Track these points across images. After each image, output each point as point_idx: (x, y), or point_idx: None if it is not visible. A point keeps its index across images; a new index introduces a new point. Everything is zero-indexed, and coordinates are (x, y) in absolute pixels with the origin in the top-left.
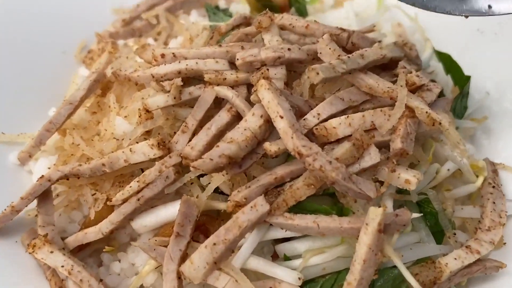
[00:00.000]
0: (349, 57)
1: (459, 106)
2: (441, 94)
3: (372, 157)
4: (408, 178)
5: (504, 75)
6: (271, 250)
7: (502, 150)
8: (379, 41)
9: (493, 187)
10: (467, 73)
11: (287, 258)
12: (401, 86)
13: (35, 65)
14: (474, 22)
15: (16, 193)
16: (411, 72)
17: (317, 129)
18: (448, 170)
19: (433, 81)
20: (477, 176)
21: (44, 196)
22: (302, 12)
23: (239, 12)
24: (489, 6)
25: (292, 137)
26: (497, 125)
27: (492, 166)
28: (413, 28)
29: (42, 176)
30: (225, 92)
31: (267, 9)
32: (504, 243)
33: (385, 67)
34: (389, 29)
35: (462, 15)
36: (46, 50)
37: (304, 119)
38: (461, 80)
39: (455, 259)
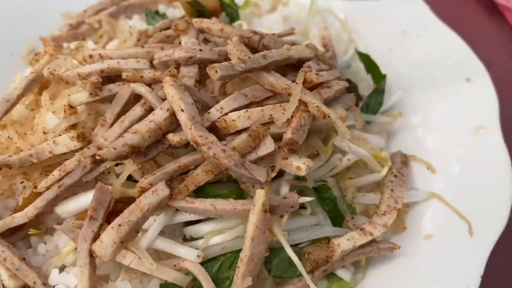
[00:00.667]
0: (250, 57)
1: (373, 102)
2: (353, 91)
3: (267, 146)
4: (299, 165)
5: (422, 74)
6: (182, 233)
7: (419, 142)
8: (293, 43)
9: (395, 176)
10: (389, 72)
11: (192, 239)
12: (296, 83)
13: None
14: (400, 24)
15: None
16: (311, 71)
17: (218, 121)
18: (348, 160)
19: (348, 80)
20: (383, 167)
21: None
22: (233, 17)
23: (175, 17)
24: None
25: (190, 128)
26: (413, 120)
27: (403, 157)
28: (340, 30)
29: None
30: (140, 88)
31: (200, 14)
32: (405, 228)
33: (296, 66)
34: (317, 32)
35: None
36: None
37: (208, 113)
38: (378, 78)
39: (348, 240)
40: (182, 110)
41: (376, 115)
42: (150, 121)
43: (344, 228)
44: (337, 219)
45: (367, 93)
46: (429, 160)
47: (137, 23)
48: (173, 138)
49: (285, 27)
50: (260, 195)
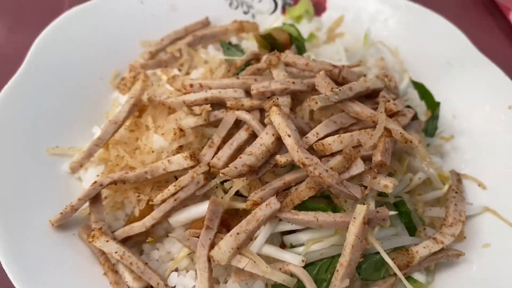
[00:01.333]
0: (340, 89)
1: (430, 127)
2: (415, 117)
3: (358, 167)
4: (386, 183)
5: (468, 101)
6: (280, 241)
7: (468, 162)
8: (365, 75)
9: (456, 192)
10: (438, 99)
11: (292, 246)
12: (381, 112)
13: (77, 89)
14: (445, 56)
15: (68, 195)
16: (389, 101)
17: (316, 145)
18: (419, 178)
19: (408, 107)
20: (444, 184)
21: (95, 198)
22: (301, 48)
23: (250, 49)
24: None
25: (297, 151)
26: (462, 142)
27: (457, 176)
28: (393, 61)
29: (95, 181)
30: (244, 115)
31: (272, 47)
32: (465, 237)
33: (369, 96)
34: (374, 62)
35: None
36: (86, 77)
37: (306, 137)
38: (433, 105)
39: (424, 247)
40: (289, 136)
41: (432, 138)
42: (261, 145)
43: (418, 237)
44: (412, 230)
45: (422, 118)
46: (479, 178)
47: (214, 53)
48: (281, 159)
49: (347, 58)
50: (361, 209)
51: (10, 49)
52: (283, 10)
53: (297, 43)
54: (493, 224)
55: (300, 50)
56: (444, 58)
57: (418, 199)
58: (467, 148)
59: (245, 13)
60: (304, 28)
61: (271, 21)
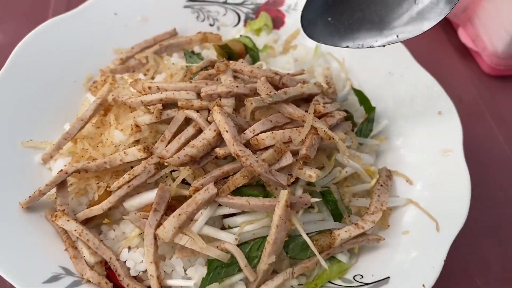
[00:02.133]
0: (275, 93)
1: (365, 129)
2: (349, 119)
3: (287, 159)
4: (310, 173)
5: (404, 106)
6: (221, 224)
7: (400, 160)
8: (304, 81)
9: (381, 185)
10: (378, 104)
11: (229, 228)
12: (309, 113)
13: (53, 90)
14: (387, 66)
15: (39, 183)
16: (319, 104)
17: (252, 140)
18: (346, 172)
19: (346, 111)
20: (372, 178)
21: (61, 184)
22: (255, 58)
23: (208, 57)
24: (397, 36)
25: (233, 144)
26: (397, 143)
27: (387, 172)
28: (340, 71)
29: (61, 170)
30: (192, 114)
31: (229, 56)
32: (388, 226)
33: (306, 100)
34: (321, 71)
35: (380, 46)
36: (62, 80)
37: (244, 133)
38: (369, 109)
39: (345, 231)
40: (227, 131)
41: (367, 139)
42: (203, 139)
43: (343, 223)
44: (338, 217)
45: (360, 121)
46: (407, 174)
47: (177, 60)
48: (219, 151)
49: (295, 67)
50: (283, 194)
51: None
52: (245, 23)
53: (251, 53)
54: (414, 214)
55: (254, 59)
56: (386, 68)
57: (346, 190)
58: (401, 148)
59: (211, 25)
60: (262, 40)
61: (234, 33)
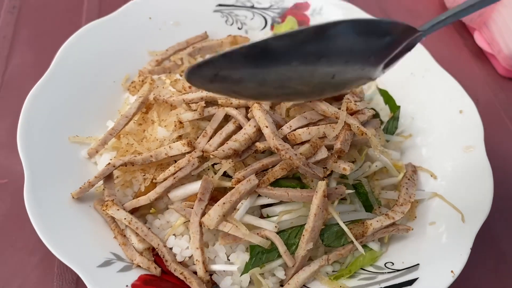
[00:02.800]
0: None
1: (391, 126)
2: (376, 117)
3: (322, 153)
4: (344, 166)
5: (425, 105)
6: (259, 213)
7: (423, 156)
8: None
9: (408, 179)
10: (401, 104)
11: (268, 217)
12: (342, 110)
13: (94, 90)
14: (409, 68)
15: (85, 176)
16: (351, 102)
17: (289, 135)
18: (376, 166)
19: (373, 109)
20: (399, 173)
21: (109, 176)
22: None
23: None
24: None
25: (273, 139)
26: (420, 140)
27: (413, 167)
28: None
29: (109, 163)
30: (232, 111)
31: None
32: (415, 217)
33: (337, 98)
34: None
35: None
36: (101, 80)
37: (281, 129)
38: (394, 108)
39: (377, 221)
40: (266, 127)
41: (393, 136)
42: (244, 133)
43: (373, 214)
44: (368, 208)
45: (386, 119)
46: (431, 169)
47: None
48: (260, 145)
49: None
50: (321, 184)
51: (34, 57)
52: (272, 27)
53: None
54: (439, 207)
55: None
56: (408, 69)
57: (375, 184)
58: (423, 145)
59: (239, 29)
60: None
61: (261, 36)
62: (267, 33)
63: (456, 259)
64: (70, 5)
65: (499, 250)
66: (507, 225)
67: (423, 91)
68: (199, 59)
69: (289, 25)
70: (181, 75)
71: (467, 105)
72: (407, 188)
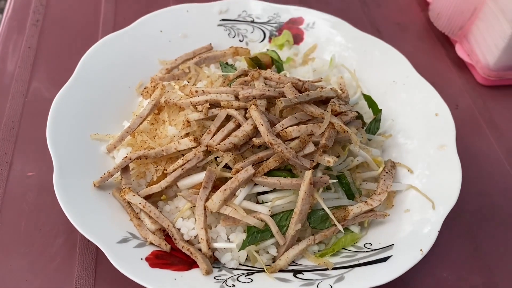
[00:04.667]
0: (300, 95)
1: (373, 127)
2: (359, 118)
3: (310, 148)
4: (329, 159)
5: (405, 109)
6: (255, 199)
7: (402, 154)
8: (322, 87)
9: (386, 172)
10: (383, 107)
11: (263, 202)
12: (327, 111)
13: (112, 94)
14: (391, 75)
15: (104, 168)
16: (335, 104)
17: (281, 132)
18: (358, 160)
19: (356, 112)
20: (379, 167)
21: (125, 168)
22: (279, 68)
23: (240, 67)
24: None
25: (267, 135)
26: (399, 140)
27: (392, 163)
28: (351, 79)
29: (126, 156)
30: (232, 112)
31: (258, 66)
32: (393, 205)
33: (324, 102)
34: (335, 79)
35: None
36: (118, 85)
37: (274, 127)
38: (376, 111)
39: (357, 207)
40: (262, 125)
41: (374, 135)
42: (243, 130)
43: (354, 201)
44: (350, 197)
45: (369, 121)
46: (408, 165)
47: (214, 70)
48: (256, 140)
49: (314, 76)
50: (308, 173)
51: (56, 65)
52: (270, 40)
53: (277, 64)
54: (414, 197)
55: (279, 69)
56: (390, 77)
57: (357, 176)
58: (402, 144)
59: (241, 41)
60: (285, 53)
61: (260, 47)
62: (265, 45)
63: (426, 240)
64: (87, 19)
65: (473, 239)
66: (478, 214)
67: (403, 96)
68: (205, 68)
69: (285, 38)
70: (188, 82)
71: (442, 109)
72: (384, 180)
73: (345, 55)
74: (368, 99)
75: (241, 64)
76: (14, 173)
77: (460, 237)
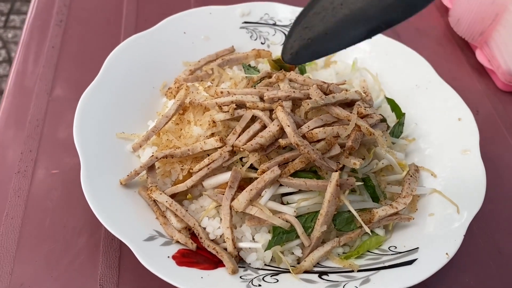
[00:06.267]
0: (326, 97)
1: (396, 130)
2: (383, 121)
3: (336, 150)
4: (355, 161)
5: (428, 113)
6: (280, 200)
7: (425, 158)
8: (346, 90)
9: (411, 176)
10: (406, 111)
11: (288, 203)
12: (353, 113)
13: (137, 94)
14: (414, 80)
15: (130, 167)
16: (361, 107)
17: (307, 134)
18: (382, 163)
19: (380, 115)
20: (403, 170)
21: (151, 167)
22: (302, 70)
23: (264, 69)
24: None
25: (293, 136)
26: (422, 144)
27: (415, 167)
28: (373, 83)
29: (152, 155)
30: (258, 112)
31: (281, 68)
32: (417, 209)
33: (349, 104)
34: (358, 83)
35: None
36: (143, 86)
37: (300, 129)
38: (399, 115)
39: (382, 210)
40: (288, 126)
41: (398, 139)
42: (269, 131)
43: (379, 204)
44: (375, 199)
45: (392, 124)
46: (432, 169)
47: (237, 72)
48: (282, 141)
49: (337, 79)
50: (335, 175)
51: (79, 65)
52: None
53: (300, 66)
54: (438, 201)
55: (302, 72)
56: (413, 81)
57: (382, 179)
58: (425, 148)
59: (262, 43)
60: None
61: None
62: None
63: (451, 243)
64: (110, 19)
65: (495, 244)
66: (500, 219)
67: (426, 100)
68: (228, 70)
69: None
70: (211, 83)
71: (465, 114)
72: (409, 183)
73: (367, 58)
74: (391, 103)
75: (264, 67)
76: (38, 170)
77: (482, 242)
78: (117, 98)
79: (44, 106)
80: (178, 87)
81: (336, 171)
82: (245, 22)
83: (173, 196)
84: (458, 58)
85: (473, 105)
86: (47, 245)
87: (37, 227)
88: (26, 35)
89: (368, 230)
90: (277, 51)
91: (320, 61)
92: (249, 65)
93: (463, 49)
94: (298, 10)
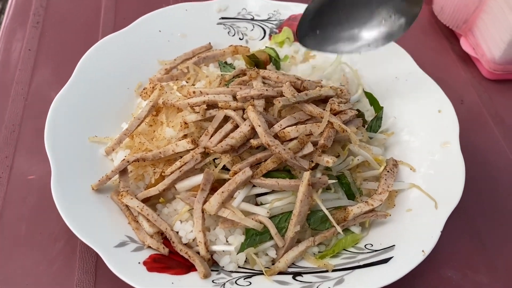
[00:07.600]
0: (298, 94)
1: (374, 125)
2: (360, 117)
3: (308, 148)
4: (328, 159)
5: (408, 106)
6: (254, 202)
7: (405, 152)
8: (321, 86)
9: (388, 171)
10: (386, 105)
11: (261, 204)
12: (326, 110)
13: (111, 96)
14: (393, 72)
15: (103, 171)
16: (335, 104)
17: (279, 133)
18: (358, 160)
19: (357, 110)
20: (380, 166)
21: (124, 171)
22: (277, 66)
23: (238, 66)
24: (369, 45)
25: (264, 136)
26: (402, 138)
27: (394, 161)
28: (353, 77)
29: (124, 159)
30: (230, 112)
31: (256, 64)
32: (394, 205)
33: (324, 100)
34: (337, 77)
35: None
36: (117, 87)
37: (273, 128)
38: (378, 109)
39: (358, 207)
40: (259, 126)
41: (376, 133)
42: (240, 132)
43: (355, 202)
44: (351, 197)
45: (371, 119)
46: (411, 163)
47: (213, 69)
48: (253, 142)
49: (314, 72)
50: (306, 174)
51: (56, 67)
52: (270, 37)
53: (274, 62)
54: (416, 196)
55: (277, 67)
56: (393, 74)
57: (358, 175)
58: (405, 142)
59: (240, 39)
60: (285, 51)
61: (261, 45)
62: (265, 43)
63: (428, 240)
64: (87, 20)
65: (478, 237)
66: (483, 211)
67: (406, 92)
68: (204, 68)
69: (285, 35)
70: (187, 82)
71: (446, 105)
72: (386, 179)
73: None
74: (370, 97)
75: (240, 63)
76: (14, 176)
77: (465, 235)
78: (90, 101)
79: (20, 110)
80: (152, 88)
81: (308, 170)
82: (222, 18)
83: (146, 200)
84: (442, 46)
85: (458, 95)
86: (23, 252)
87: (13, 234)
88: (2, 37)
89: (340, 230)
90: (255, 47)
91: (299, 56)
92: (225, 62)
93: (448, 38)
94: (276, 3)
